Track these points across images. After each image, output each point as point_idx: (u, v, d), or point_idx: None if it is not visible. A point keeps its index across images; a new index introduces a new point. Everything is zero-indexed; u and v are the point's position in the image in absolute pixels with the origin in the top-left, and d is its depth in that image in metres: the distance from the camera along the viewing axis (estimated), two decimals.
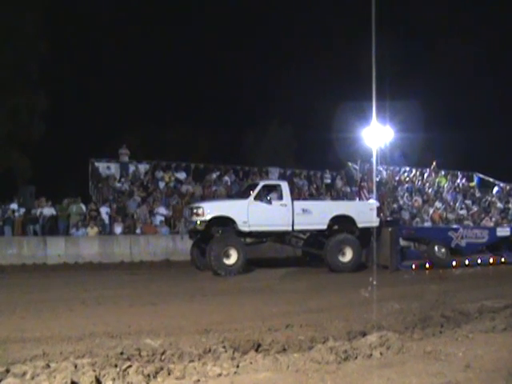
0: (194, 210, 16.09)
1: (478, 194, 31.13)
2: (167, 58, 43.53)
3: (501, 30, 44.94)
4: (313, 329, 7.23)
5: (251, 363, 5.18)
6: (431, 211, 26.69)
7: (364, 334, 6.59)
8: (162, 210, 22.10)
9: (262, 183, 17.12)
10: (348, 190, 27.31)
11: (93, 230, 20.20)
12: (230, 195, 23.11)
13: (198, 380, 4.65)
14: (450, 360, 5.16)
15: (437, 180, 30.85)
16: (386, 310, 9.01)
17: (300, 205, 16.98)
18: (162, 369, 4.96)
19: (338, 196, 26.25)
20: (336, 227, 17.29)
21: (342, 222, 17.22)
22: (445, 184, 30.67)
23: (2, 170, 26.67)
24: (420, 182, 30.88)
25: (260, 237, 17.26)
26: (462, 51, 40.38)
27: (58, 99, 29.82)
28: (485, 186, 32.27)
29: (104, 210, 21.34)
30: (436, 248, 17.40)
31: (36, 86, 27.20)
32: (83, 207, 21.14)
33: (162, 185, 24.23)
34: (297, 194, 23.37)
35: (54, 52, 28.24)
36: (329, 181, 27.95)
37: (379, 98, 22.08)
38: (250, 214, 16.10)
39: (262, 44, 47.32)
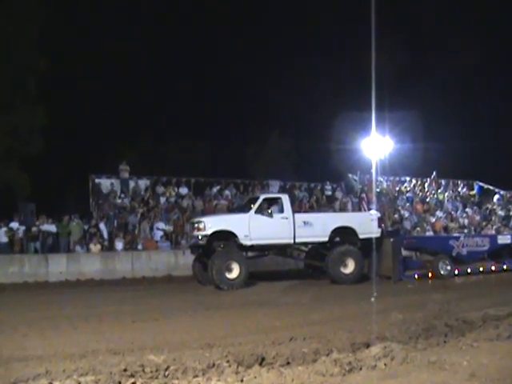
0: (195, 225, 16.10)
1: (478, 202, 31.11)
2: (166, 71, 43.77)
3: (497, 42, 45.27)
4: (316, 341, 7.20)
5: (255, 377, 5.17)
6: (433, 221, 26.69)
7: (368, 346, 6.57)
8: (163, 226, 22.09)
9: (262, 196, 17.13)
10: (349, 201, 27.26)
11: (95, 247, 20.18)
12: (231, 209, 23.11)
13: None
14: (454, 369, 5.15)
15: (436, 195, 30.85)
16: (389, 320, 8.98)
17: (301, 217, 16.97)
18: None
19: (340, 208, 26.20)
20: (337, 239, 17.28)
21: (344, 234, 17.20)
22: (444, 197, 30.64)
23: (1, 186, 26.64)
24: (421, 193, 30.85)
25: (262, 250, 17.23)
26: (460, 61, 40.52)
27: (58, 115, 29.81)
28: (485, 194, 32.25)
29: (104, 227, 21.33)
30: (440, 264, 17.40)
31: (35, 102, 27.19)
32: (82, 224, 21.13)
33: (162, 200, 24.24)
34: (297, 207, 23.35)
35: (53, 67, 28.29)
36: (329, 193, 27.93)
37: (378, 109, 22.15)
38: (251, 227, 16.10)
39: (261, 56, 47.54)
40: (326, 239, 16.95)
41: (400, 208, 27.78)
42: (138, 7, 44.34)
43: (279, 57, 47.81)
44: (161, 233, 21.75)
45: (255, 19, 49.85)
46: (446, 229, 26.19)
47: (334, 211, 24.40)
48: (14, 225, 20.14)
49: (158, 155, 39.34)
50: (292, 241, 16.64)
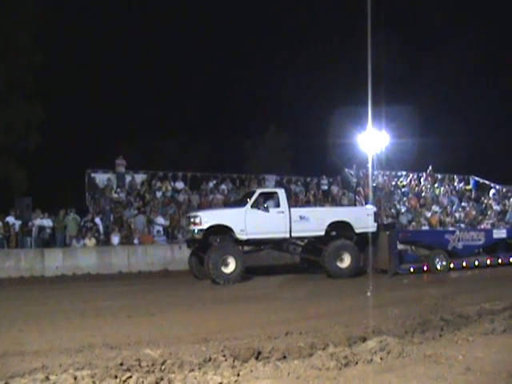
0: (192, 219, 16.09)
1: (475, 197, 31.17)
2: (164, 66, 43.69)
3: (494, 37, 45.29)
4: (312, 335, 7.22)
5: (252, 371, 5.18)
6: (429, 215, 26.74)
7: (364, 340, 6.58)
8: (160, 220, 22.08)
9: (258, 191, 17.12)
10: (345, 195, 27.29)
11: (90, 241, 20.16)
12: (227, 203, 23.10)
13: None
14: (450, 363, 5.16)
15: (432, 190, 30.88)
16: (385, 314, 9.00)
17: (297, 212, 16.98)
18: (162, 379, 4.95)
19: (336, 202, 26.24)
20: (334, 233, 17.30)
21: (340, 228, 17.24)
22: (440, 192, 30.66)
23: None
24: (417, 188, 30.86)
25: (258, 244, 17.24)
26: (457, 57, 40.55)
27: (54, 110, 29.80)
28: (481, 189, 32.31)
29: (100, 221, 21.31)
30: (436, 259, 17.42)
31: (31, 98, 27.16)
32: (78, 218, 21.12)
33: (158, 194, 24.23)
34: (294, 201, 23.35)
35: (50, 63, 28.24)
36: (325, 187, 27.98)
37: (375, 104, 22.12)
38: (247, 221, 16.10)
39: (258, 52, 47.50)
40: (323, 233, 16.96)
41: (396, 202, 27.84)
42: (138, 4, 44.26)
43: (276, 53, 47.79)
44: (157, 227, 21.75)
45: (253, 16, 49.83)
46: (441, 223, 26.26)
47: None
48: (10, 219, 20.11)
49: (155, 150, 39.30)
50: (288, 235, 16.64)
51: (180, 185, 25.29)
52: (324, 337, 7.07)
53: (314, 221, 16.88)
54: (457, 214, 27.92)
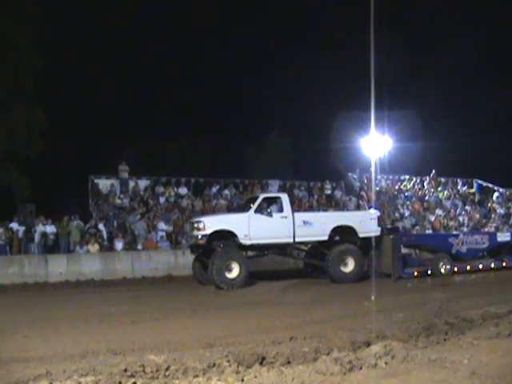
0: (195, 225, 16.09)
1: (480, 201, 31.10)
2: (166, 72, 43.74)
3: (497, 40, 45.29)
4: (317, 340, 7.20)
5: (256, 376, 5.17)
6: (432, 219, 26.70)
7: (368, 344, 6.57)
8: (163, 226, 22.08)
9: (262, 196, 17.13)
10: (351, 200, 27.26)
11: (93, 247, 20.16)
12: (231, 209, 23.10)
13: None
14: (455, 367, 5.14)
15: (436, 193, 30.85)
16: (389, 319, 8.98)
17: (301, 216, 16.96)
18: None
19: (340, 207, 26.22)
20: (337, 238, 17.27)
21: (343, 233, 17.21)
22: (443, 196, 30.62)
23: (0, 188, 26.63)
24: (421, 192, 30.83)
25: (261, 249, 17.22)
26: (460, 60, 40.54)
27: (57, 116, 29.80)
28: (485, 192, 32.24)
29: (103, 227, 21.32)
30: (440, 262, 17.40)
31: (34, 104, 27.18)
32: (81, 224, 21.14)
33: (162, 200, 24.23)
34: (297, 206, 23.34)
35: (52, 68, 28.29)
36: (329, 191, 27.94)
37: (378, 108, 22.12)
38: (250, 227, 16.09)
39: (259, 56, 47.58)
40: (326, 238, 16.94)
41: (399, 206, 27.80)
42: (138, 8, 44.37)
43: (278, 56, 47.84)
44: (161, 233, 21.75)
45: (255, 19, 49.92)
46: (445, 227, 26.22)
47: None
48: (14, 225, 20.14)
49: (158, 156, 39.34)
50: (292, 240, 16.63)
51: (183, 190, 25.29)
52: (328, 342, 7.06)
53: (317, 225, 16.87)
54: (460, 218, 27.86)
